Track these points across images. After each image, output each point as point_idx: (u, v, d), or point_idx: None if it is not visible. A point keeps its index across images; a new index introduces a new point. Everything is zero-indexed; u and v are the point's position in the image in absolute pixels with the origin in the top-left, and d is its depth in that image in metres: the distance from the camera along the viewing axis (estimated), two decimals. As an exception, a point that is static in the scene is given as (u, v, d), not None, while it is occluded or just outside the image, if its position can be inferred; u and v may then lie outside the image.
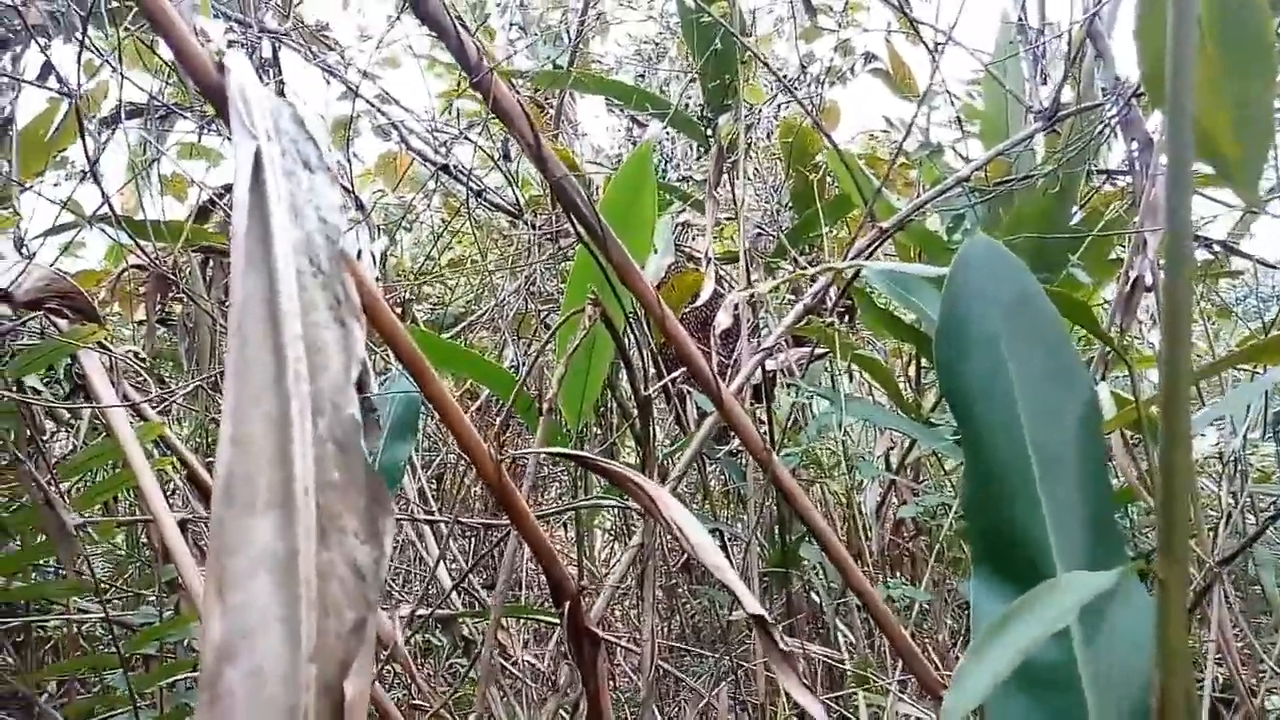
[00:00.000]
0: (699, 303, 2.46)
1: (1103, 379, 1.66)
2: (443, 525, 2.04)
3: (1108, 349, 1.92)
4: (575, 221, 1.39)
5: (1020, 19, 2.04)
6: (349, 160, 3.14)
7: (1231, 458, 2.25)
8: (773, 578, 3.07)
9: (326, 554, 0.47)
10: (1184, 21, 0.67)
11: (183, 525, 1.29)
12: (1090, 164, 2.03)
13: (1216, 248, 2.45)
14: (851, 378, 3.61)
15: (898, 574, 3.08)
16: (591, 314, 1.32)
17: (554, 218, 3.10)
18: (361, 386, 1.20)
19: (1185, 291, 0.71)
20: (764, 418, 2.67)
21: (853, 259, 1.78)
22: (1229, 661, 1.87)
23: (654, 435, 1.47)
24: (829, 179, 2.92)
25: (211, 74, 0.72)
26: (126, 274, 2.68)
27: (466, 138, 3.23)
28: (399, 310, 3.45)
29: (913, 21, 2.01)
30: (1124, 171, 2.04)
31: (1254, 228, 2.68)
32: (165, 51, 2.32)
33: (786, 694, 1.94)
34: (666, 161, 3.52)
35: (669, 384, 2.33)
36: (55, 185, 2.68)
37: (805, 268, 2.62)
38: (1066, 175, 1.93)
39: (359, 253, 1.30)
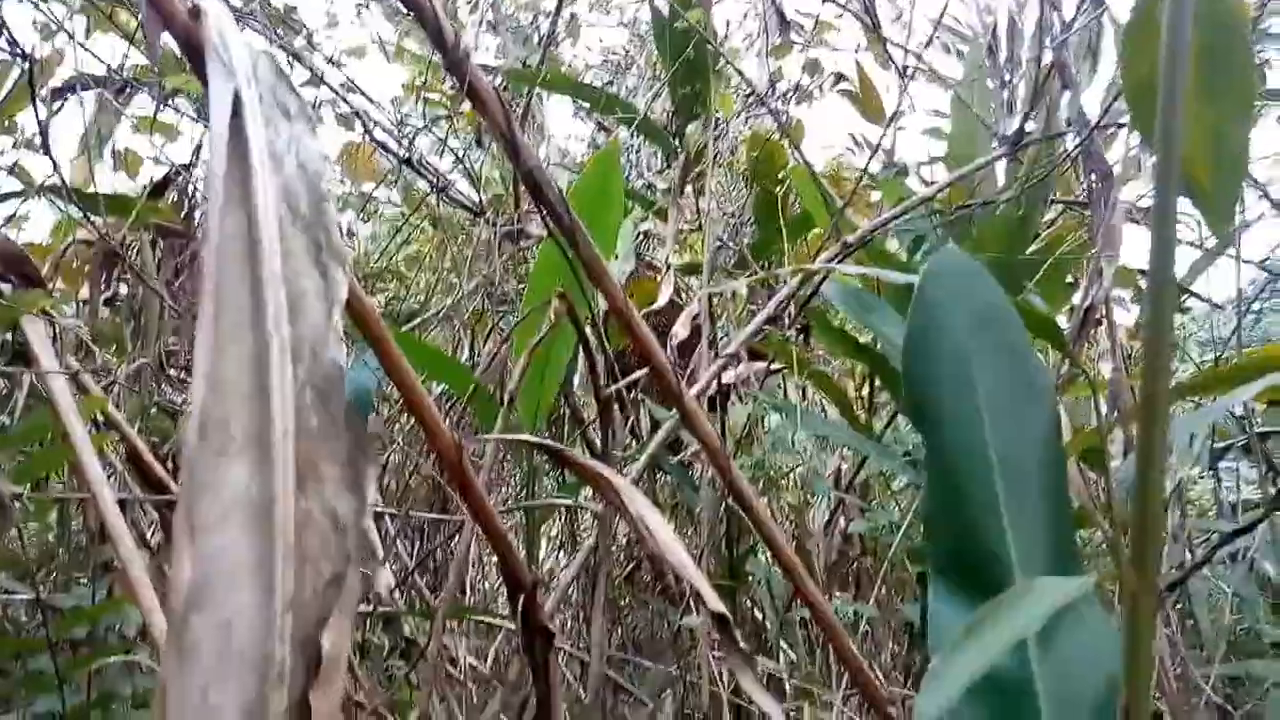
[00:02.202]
0: (655, 307, 2.46)
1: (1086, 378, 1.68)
2: (389, 521, 1.99)
3: (1060, 373, 1.96)
4: (545, 214, 1.37)
5: (989, 45, 2.07)
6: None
7: (1174, 488, 2.30)
8: (719, 591, 3.06)
9: (304, 503, 0.45)
10: (1178, 48, 0.67)
11: (122, 505, 1.24)
12: (1053, 193, 2.07)
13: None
14: (805, 395, 3.63)
15: (844, 593, 3.09)
16: (558, 309, 1.30)
17: (515, 218, 3.08)
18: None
19: (1167, 316, 0.71)
20: (722, 430, 2.67)
21: (816, 270, 1.78)
22: (1166, 690, 1.90)
23: (613, 437, 1.45)
24: (791, 196, 2.93)
25: (184, 18, 0.69)
26: (73, 249, 2.59)
27: (431, 131, 3.20)
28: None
29: (883, 42, 2.03)
30: (1083, 203, 2.08)
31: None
32: (124, 16, 2.25)
33: (730, 705, 1.92)
34: (631, 168, 3.52)
35: (623, 392, 2.31)
36: (1, 153, 2.59)
37: (766, 277, 2.63)
38: (1028, 203, 1.96)
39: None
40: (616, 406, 3.10)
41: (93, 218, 2.12)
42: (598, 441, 1.52)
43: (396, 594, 2.15)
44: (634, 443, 2.92)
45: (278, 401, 0.45)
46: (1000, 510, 0.97)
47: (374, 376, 2.09)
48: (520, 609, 0.99)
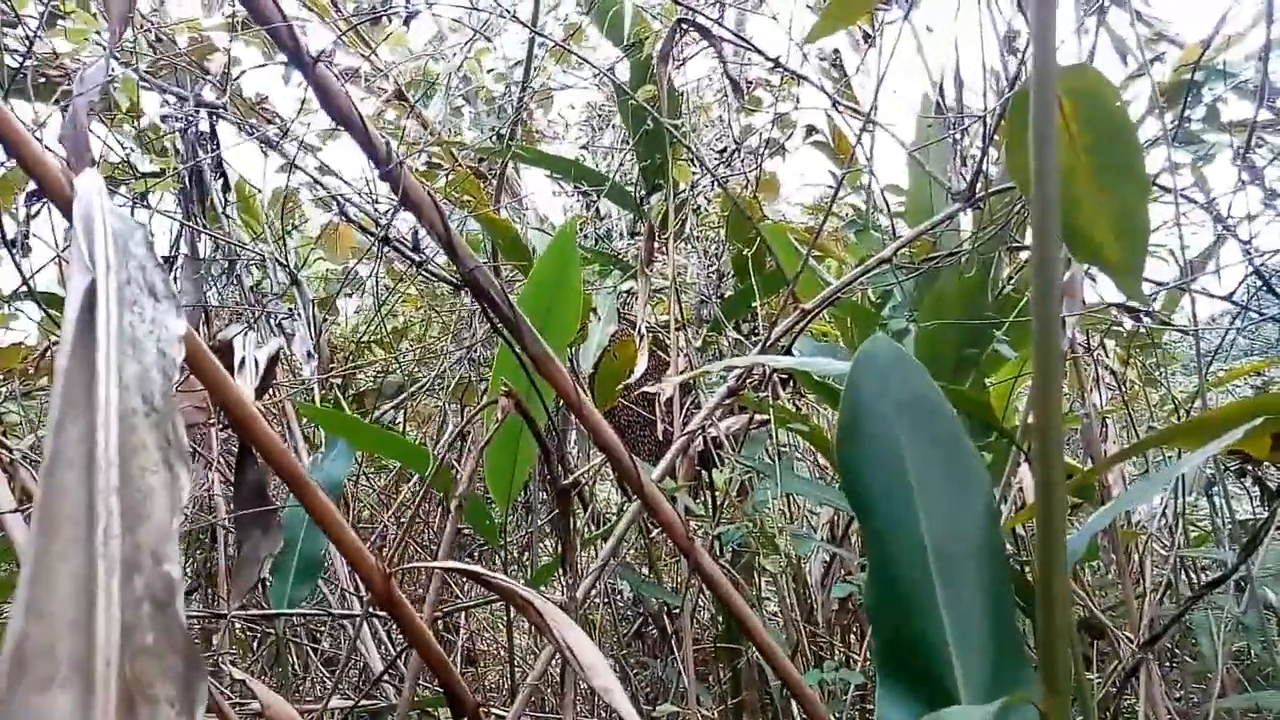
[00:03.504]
0: (633, 379, 2.46)
1: (1026, 460, 1.67)
2: (357, 619, 1.98)
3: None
4: (490, 314, 1.38)
5: (938, 103, 2.09)
6: (287, 232, 3.12)
7: (1159, 527, 2.28)
8: (721, 652, 3.03)
9: (131, 731, 0.45)
10: (1044, 149, 0.68)
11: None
12: (1013, 239, 2.07)
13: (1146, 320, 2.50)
14: (800, 444, 3.61)
15: (849, 640, 3.06)
16: (505, 406, 1.30)
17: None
18: (261, 492, 1.16)
19: (1056, 410, 0.71)
20: (710, 485, 2.66)
21: (775, 339, 1.78)
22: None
23: (574, 526, 1.44)
24: (765, 251, 2.95)
25: (65, 191, 0.70)
26: (53, 350, 2.61)
27: (408, 209, 3.23)
28: (339, 380, 3.40)
29: (837, 105, 2.05)
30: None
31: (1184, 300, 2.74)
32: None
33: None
34: (610, 232, 3.54)
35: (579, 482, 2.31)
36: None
37: (741, 339, 2.64)
38: (987, 254, 1.96)
39: (242, 361, 1.28)
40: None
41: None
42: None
43: (387, 686, 2.14)
44: (628, 500, 2.91)
45: (102, 627, 0.45)
46: (936, 598, 0.96)
47: (349, 465, 2.10)
48: (465, 728, 0.98)
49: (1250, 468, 2.54)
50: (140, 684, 0.46)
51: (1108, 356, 2.74)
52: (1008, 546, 2.14)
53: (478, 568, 0.92)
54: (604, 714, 2.47)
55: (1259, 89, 1.75)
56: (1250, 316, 2.35)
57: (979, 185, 1.88)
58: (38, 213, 2.74)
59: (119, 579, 0.47)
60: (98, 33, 2.47)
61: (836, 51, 2.97)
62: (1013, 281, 2.09)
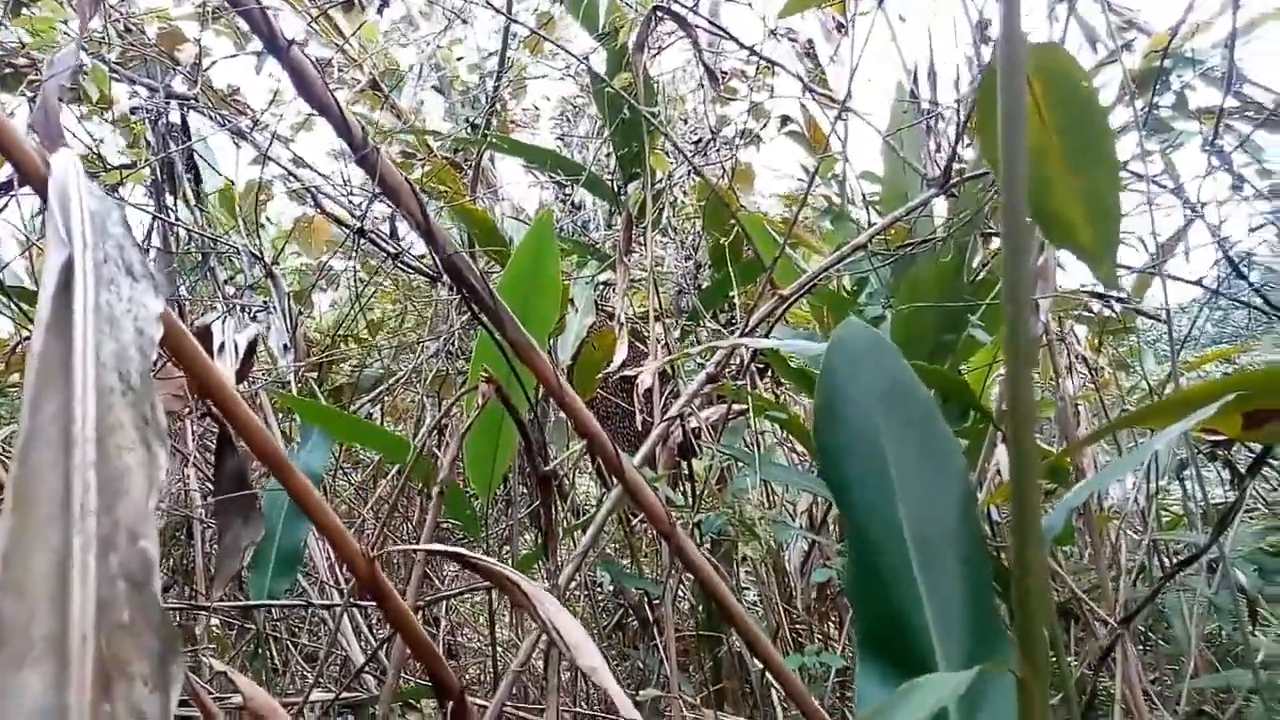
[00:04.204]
0: (612, 368, 2.46)
1: (1003, 442, 1.69)
2: (338, 609, 1.97)
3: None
4: (470, 300, 1.37)
5: (912, 90, 2.10)
6: (259, 225, 3.09)
7: (1131, 511, 2.31)
8: (702, 641, 3.04)
9: (107, 706, 0.44)
10: (1013, 126, 0.68)
11: None
12: (986, 225, 2.09)
13: (1117, 306, 2.53)
14: (777, 432, 3.63)
15: (827, 626, 3.08)
16: (486, 393, 1.30)
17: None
18: (242, 480, 1.15)
19: (1027, 387, 0.71)
20: (690, 475, 2.66)
21: (753, 326, 1.79)
22: (1135, 713, 1.89)
23: (555, 514, 1.44)
24: (743, 239, 2.96)
25: (39, 170, 0.70)
26: (24, 345, 2.58)
27: (383, 199, 3.21)
28: (315, 374, 3.38)
29: (813, 92, 2.06)
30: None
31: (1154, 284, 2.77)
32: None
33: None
34: (588, 222, 3.54)
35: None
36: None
37: (719, 329, 2.64)
38: (962, 239, 1.98)
39: (221, 346, 1.27)
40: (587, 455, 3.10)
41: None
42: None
43: (368, 677, 2.13)
44: (607, 489, 2.91)
45: (77, 602, 0.44)
46: (916, 584, 0.97)
47: (326, 457, 2.08)
48: (450, 715, 0.98)
49: (1220, 451, 2.58)
50: (116, 661, 0.46)
51: (1079, 343, 2.78)
52: (985, 530, 2.16)
53: (462, 550, 0.92)
54: (586, 703, 2.47)
55: (1226, 76, 1.78)
56: (1221, 302, 2.39)
57: (953, 171, 1.89)
58: (4, 206, 2.70)
59: (95, 556, 0.47)
60: (64, 22, 2.44)
61: (810, 41, 2.98)
62: (987, 267, 2.11)
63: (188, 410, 2.06)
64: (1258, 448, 1.61)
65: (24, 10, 2.53)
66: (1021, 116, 0.65)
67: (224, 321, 1.31)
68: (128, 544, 0.49)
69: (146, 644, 0.46)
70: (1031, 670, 0.69)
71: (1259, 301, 1.83)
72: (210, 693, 1.91)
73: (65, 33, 2.45)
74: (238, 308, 2.66)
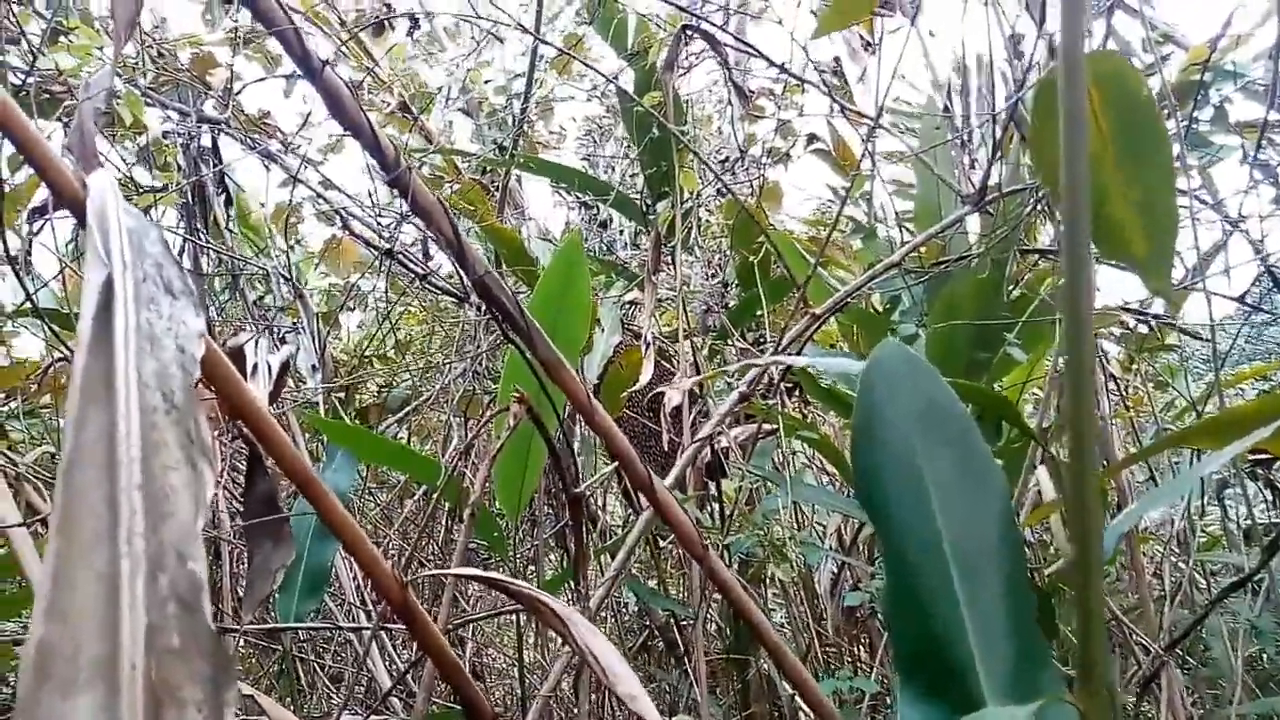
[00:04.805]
0: (638, 386, 2.45)
1: (1042, 463, 1.65)
2: (366, 633, 1.96)
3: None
4: (500, 320, 1.37)
5: (946, 106, 2.08)
6: (290, 246, 3.11)
7: (1171, 533, 2.25)
8: (730, 663, 3.00)
9: (157, 735, 0.43)
10: (1076, 138, 0.66)
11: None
12: (1021, 242, 2.06)
13: (1153, 322, 2.49)
14: (807, 452, 3.59)
15: (857, 649, 3.03)
16: (517, 413, 1.29)
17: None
18: (272, 502, 1.14)
19: (1089, 402, 0.69)
20: (719, 495, 2.64)
21: (786, 344, 1.77)
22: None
23: (585, 536, 1.42)
24: (772, 258, 2.94)
25: (76, 192, 0.69)
26: (55, 367, 2.60)
27: (411, 221, 3.22)
28: (341, 395, 3.39)
29: (843, 109, 2.05)
30: (1053, 251, 2.08)
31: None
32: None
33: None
34: (614, 241, 3.53)
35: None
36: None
37: (748, 347, 2.62)
38: (1001, 255, 1.95)
39: (254, 367, 1.27)
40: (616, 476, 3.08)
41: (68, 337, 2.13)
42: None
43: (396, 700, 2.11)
44: (635, 511, 2.89)
45: (126, 628, 0.43)
46: (957, 599, 0.94)
47: (352, 478, 2.08)
48: (482, 738, 0.96)
49: (1261, 470, 2.53)
50: (167, 686, 0.44)
51: (1109, 363, 2.73)
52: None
53: (497, 575, 0.91)
54: (615, 727, 2.44)
55: (1270, 88, 1.74)
56: (1257, 318, 2.34)
57: (988, 187, 1.87)
58: (40, 229, 2.73)
59: (143, 579, 0.46)
60: (100, 48, 2.47)
61: (837, 59, 2.97)
62: (1022, 283, 2.08)
63: (218, 432, 2.07)
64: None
65: (61, 38, 2.56)
66: (1083, 123, 0.63)
67: (256, 343, 1.31)
68: (176, 566, 0.48)
69: (198, 669, 0.45)
70: (1093, 701, 0.67)
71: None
72: (236, 715, 1.90)
73: (101, 59, 2.48)
74: (267, 329, 2.67)
